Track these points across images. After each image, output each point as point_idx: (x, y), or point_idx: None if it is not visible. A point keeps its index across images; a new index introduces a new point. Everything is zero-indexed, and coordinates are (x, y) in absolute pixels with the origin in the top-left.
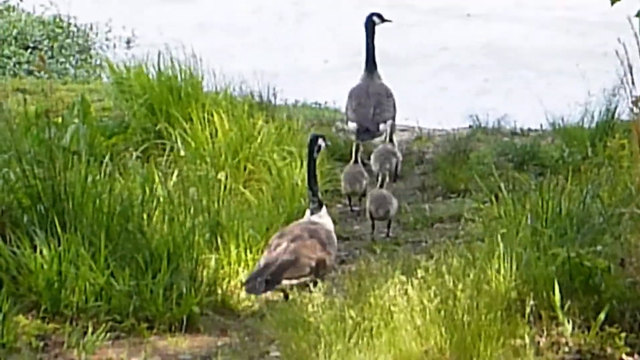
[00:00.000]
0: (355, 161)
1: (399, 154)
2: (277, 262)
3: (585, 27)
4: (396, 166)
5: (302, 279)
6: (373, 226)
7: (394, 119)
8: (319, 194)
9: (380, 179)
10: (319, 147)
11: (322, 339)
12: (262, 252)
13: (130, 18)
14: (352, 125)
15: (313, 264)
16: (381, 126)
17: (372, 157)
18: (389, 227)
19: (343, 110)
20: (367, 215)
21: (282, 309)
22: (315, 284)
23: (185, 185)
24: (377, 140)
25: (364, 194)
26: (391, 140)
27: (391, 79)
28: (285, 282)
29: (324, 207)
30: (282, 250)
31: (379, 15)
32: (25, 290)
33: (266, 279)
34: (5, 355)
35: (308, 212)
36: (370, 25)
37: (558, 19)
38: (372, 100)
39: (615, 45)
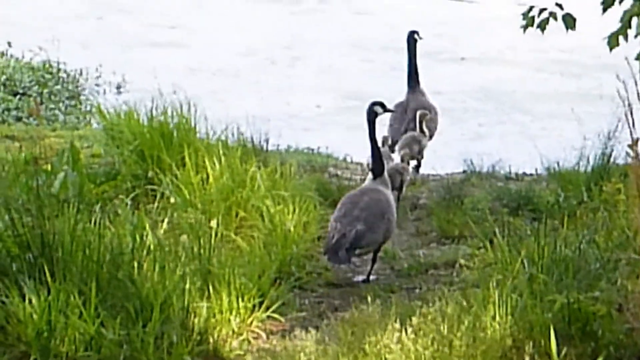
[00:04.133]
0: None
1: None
2: (353, 231)
3: (580, 69)
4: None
5: (374, 245)
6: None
7: (432, 134)
8: (382, 161)
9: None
10: (375, 113)
11: None
12: (331, 216)
13: (120, 63)
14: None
15: (382, 232)
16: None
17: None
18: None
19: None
20: None
21: (274, 358)
22: (378, 251)
23: (176, 233)
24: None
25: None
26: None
27: (385, 122)
28: (359, 250)
29: (385, 174)
30: (355, 219)
31: (418, 33)
32: (14, 340)
33: (347, 248)
34: None
35: (370, 176)
36: (412, 42)
37: (553, 62)
38: (409, 116)
39: (611, 88)
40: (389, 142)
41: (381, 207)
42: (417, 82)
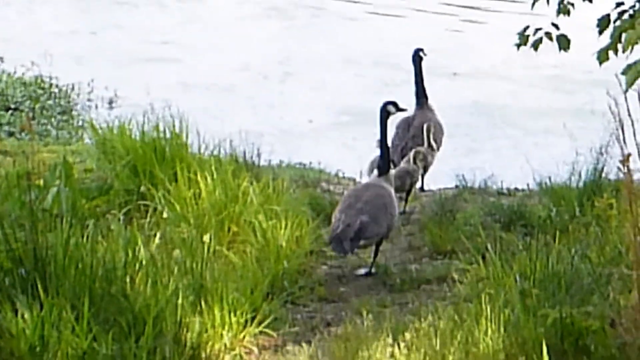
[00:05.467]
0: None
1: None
2: (358, 222)
3: (572, 85)
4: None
5: (377, 238)
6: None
7: (433, 151)
8: (389, 160)
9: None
10: (388, 113)
11: None
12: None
13: (112, 78)
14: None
15: (385, 224)
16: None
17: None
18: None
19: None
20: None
21: None
22: (380, 244)
23: (168, 248)
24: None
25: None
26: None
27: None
28: (363, 241)
29: (390, 171)
30: (359, 211)
31: (423, 50)
32: (7, 355)
33: (351, 238)
34: None
35: (375, 172)
36: (417, 60)
37: (545, 78)
38: (411, 133)
39: (603, 103)
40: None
41: (384, 202)
42: (426, 98)
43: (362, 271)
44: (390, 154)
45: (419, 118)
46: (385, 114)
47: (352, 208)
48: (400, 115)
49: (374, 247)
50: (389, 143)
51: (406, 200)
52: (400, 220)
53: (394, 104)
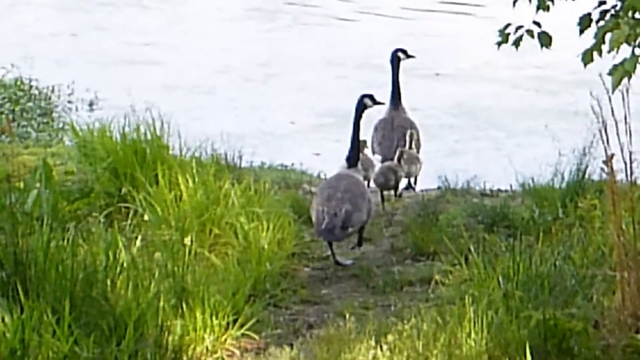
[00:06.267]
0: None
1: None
2: (343, 210)
3: (555, 86)
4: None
5: (361, 224)
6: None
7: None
8: (359, 152)
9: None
10: (365, 106)
11: None
12: (311, 203)
13: (93, 80)
14: (378, 158)
15: (365, 211)
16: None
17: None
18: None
19: (369, 142)
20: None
21: None
22: (362, 229)
23: (149, 250)
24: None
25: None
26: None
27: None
28: (350, 228)
29: (359, 164)
30: (339, 201)
31: (404, 51)
32: None
33: (340, 226)
34: None
35: (344, 164)
36: (395, 61)
37: (528, 78)
38: (396, 134)
39: (586, 104)
40: (367, 147)
41: (361, 189)
42: (400, 100)
43: (349, 262)
44: (385, 154)
45: (397, 119)
46: (361, 107)
47: (332, 199)
48: (375, 115)
49: (358, 234)
50: (375, 144)
51: (396, 195)
52: (383, 222)
53: (371, 97)
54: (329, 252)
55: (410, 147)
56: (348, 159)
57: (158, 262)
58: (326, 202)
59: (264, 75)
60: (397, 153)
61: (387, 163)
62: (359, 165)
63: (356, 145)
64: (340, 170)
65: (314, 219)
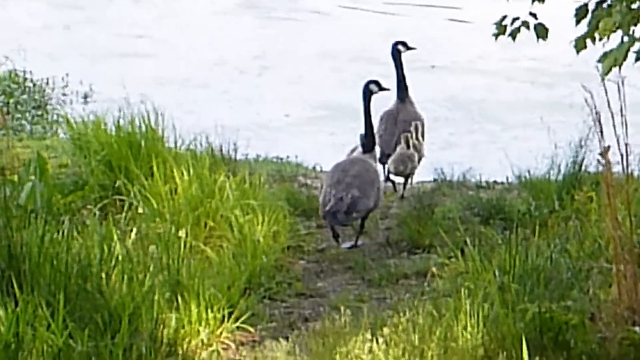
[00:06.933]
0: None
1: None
2: (349, 196)
3: (550, 78)
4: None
5: (367, 211)
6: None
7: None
8: (374, 138)
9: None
10: (371, 92)
11: None
12: (321, 184)
13: (87, 73)
14: (377, 149)
15: (373, 199)
16: None
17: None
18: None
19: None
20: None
21: None
22: (365, 218)
23: (144, 243)
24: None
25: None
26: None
27: (356, 131)
28: (355, 214)
29: (375, 149)
30: (349, 185)
31: (404, 44)
32: None
33: (344, 211)
34: None
35: (359, 149)
36: (396, 54)
37: (523, 71)
38: (398, 129)
39: (581, 96)
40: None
41: (371, 176)
42: (406, 92)
43: (348, 244)
44: (383, 148)
45: (403, 112)
46: (368, 93)
47: (341, 182)
48: (383, 104)
49: (359, 221)
50: (377, 136)
51: (404, 186)
52: (378, 214)
53: (377, 82)
54: (332, 236)
55: (407, 144)
56: (363, 145)
57: (153, 256)
58: (335, 185)
59: (259, 68)
60: (403, 139)
61: (402, 151)
62: (374, 152)
63: (370, 131)
64: (356, 154)
65: (320, 199)
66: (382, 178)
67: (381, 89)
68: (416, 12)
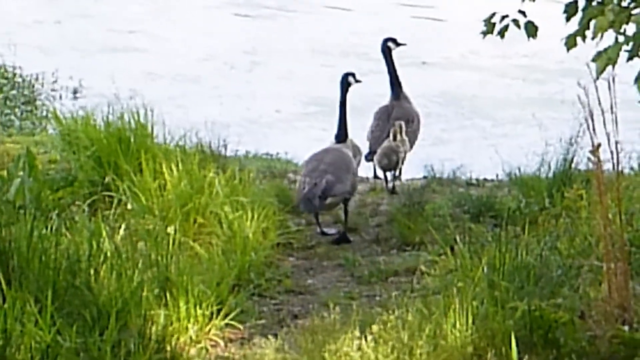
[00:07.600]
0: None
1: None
2: (323, 181)
3: (542, 75)
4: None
5: (343, 196)
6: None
7: (411, 146)
8: (347, 128)
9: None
10: (348, 83)
11: None
12: (302, 173)
13: (77, 68)
14: (367, 144)
15: (349, 183)
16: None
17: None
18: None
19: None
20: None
21: None
22: (347, 203)
23: (133, 239)
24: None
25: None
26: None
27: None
28: (330, 199)
29: (348, 139)
30: (323, 172)
31: (394, 40)
32: None
33: (319, 195)
34: None
35: (334, 140)
36: (387, 51)
37: (515, 67)
38: (390, 126)
39: (573, 93)
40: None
41: (346, 162)
42: (400, 88)
43: (332, 230)
44: (371, 144)
45: (397, 109)
46: (346, 84)
47: (316, 170)
48: (379, 103)
49: (343, 208)
50: (368, 132)
51: (394, 178)
52: (368, 211)
53: (353, 75)
54: (315, 223)
55: (394, 139)
56: (337, 135)
57: (142, 252)
58: (309, 173)
59: (249, 64)
60: (392, 130)
61: (387, 143)
62: (348, 141)
63: (343, 123)
64: (330, 144)
65: (296, 188)
66: (355, 165)
67: (357, 81)
68: (415, 7)
